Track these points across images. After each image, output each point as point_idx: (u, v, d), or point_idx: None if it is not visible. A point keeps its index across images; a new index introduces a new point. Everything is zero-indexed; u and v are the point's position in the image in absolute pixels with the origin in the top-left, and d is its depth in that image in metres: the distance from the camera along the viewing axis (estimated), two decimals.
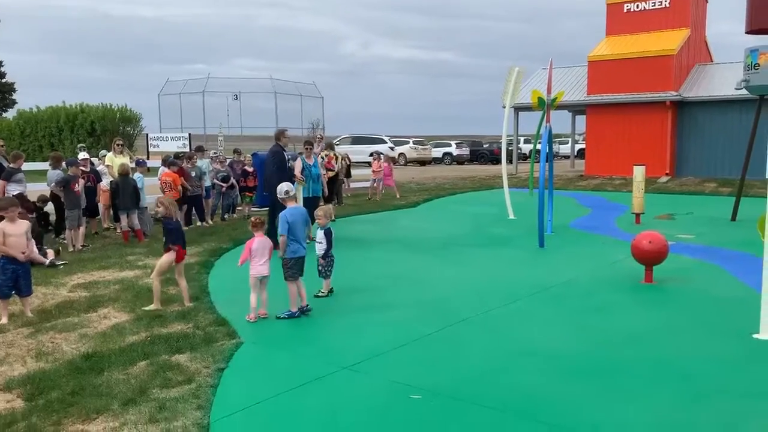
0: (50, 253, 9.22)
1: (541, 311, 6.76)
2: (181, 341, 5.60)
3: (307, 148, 11.18)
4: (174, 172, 12.19)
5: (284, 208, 6.74)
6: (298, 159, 10.87)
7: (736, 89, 14.34)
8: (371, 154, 22.83)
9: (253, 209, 14.20)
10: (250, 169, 14.39)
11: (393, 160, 21.17)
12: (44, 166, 12.30)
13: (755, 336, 5.75)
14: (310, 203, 11.22)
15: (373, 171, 19.25)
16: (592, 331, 6.01)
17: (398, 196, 18.53)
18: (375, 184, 18.93)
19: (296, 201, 7.20)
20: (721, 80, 23.47)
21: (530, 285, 7.81)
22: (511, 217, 14.18)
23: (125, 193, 11.10)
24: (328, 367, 5.05)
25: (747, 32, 5.65)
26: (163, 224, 7.08)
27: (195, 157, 13.35)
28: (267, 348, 5.58)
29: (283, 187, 6.85)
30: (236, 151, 15.79)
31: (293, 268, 6.51)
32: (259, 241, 6.50)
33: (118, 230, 11.73)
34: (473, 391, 4.58)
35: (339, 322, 6.34)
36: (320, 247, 7.14)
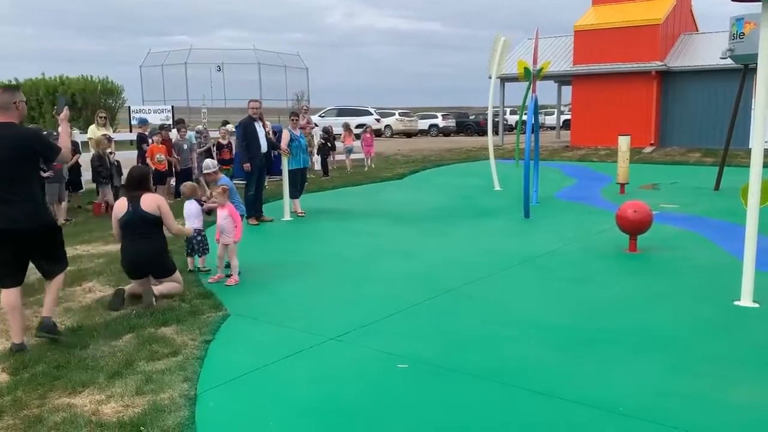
0: None
1: (526, 281, 6.80)
2: (167, 314, 5.58)
3: (293, 120, 11.07)
4: (160, 144, 12.04)
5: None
6: (285, 131, 10.75)
7: (722, 58, 14.35)
8: (359, 126, 22.73)
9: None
10: (225, 142, 14.06)
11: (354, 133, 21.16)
12: None
13: (736, 303, 5.83)
14: (301, 174, 11.18)
15: (344, 141, 19.42)
16: (578, 300, 6.06)
17: (372, 167, 18.74)
18: (348, 156, 19.07)
19: (220, 174, 7.60)
20: (707, 50, 23.46)
21: (516, 255, 7.85)
22: (497, 188, 14.21)
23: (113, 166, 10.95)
24: (315, 338, 5.06)
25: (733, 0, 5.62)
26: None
27: (183, 129, 13.16)
28: (253, 320, 5.57)
29: (208, 164, 7.52)
30: (224, 123, 15.60)
31: None
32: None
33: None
34: (460, 360, 4.61)
35: (325, 294, 6.34)
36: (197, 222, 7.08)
